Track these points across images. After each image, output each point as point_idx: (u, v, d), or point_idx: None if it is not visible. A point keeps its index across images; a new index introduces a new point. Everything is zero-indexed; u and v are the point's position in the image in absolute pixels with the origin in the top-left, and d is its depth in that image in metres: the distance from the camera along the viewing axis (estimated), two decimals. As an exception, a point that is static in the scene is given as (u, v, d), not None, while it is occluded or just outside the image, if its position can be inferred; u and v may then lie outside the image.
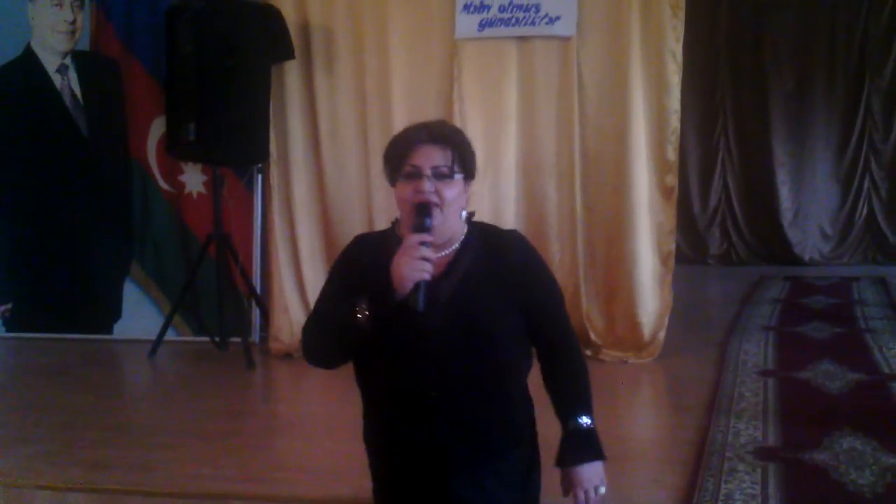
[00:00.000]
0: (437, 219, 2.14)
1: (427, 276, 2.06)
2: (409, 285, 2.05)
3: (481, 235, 2.28)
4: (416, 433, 2.18)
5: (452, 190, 2.17)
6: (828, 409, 4.43)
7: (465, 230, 2.27)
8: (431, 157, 2.16)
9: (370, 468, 2.34)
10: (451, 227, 2.21)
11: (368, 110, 5.90)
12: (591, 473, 2.23)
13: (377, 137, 5.79)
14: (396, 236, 2.25)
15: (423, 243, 2.08)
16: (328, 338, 2.22)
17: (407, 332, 2.12)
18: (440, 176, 2.16)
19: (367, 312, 2.09)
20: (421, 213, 2.13)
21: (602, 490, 2.24)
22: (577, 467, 2.22)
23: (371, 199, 5.91)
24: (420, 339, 2.14)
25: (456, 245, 2.24)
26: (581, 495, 2.23)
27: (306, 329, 2.30)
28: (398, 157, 2.21)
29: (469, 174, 2.25)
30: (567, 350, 2.32)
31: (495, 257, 2.24)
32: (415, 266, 2.05)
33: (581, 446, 2.23)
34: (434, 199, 2.15)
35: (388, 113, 5.82)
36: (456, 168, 2.18)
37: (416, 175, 2.16)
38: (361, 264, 2.23)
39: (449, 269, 2.20)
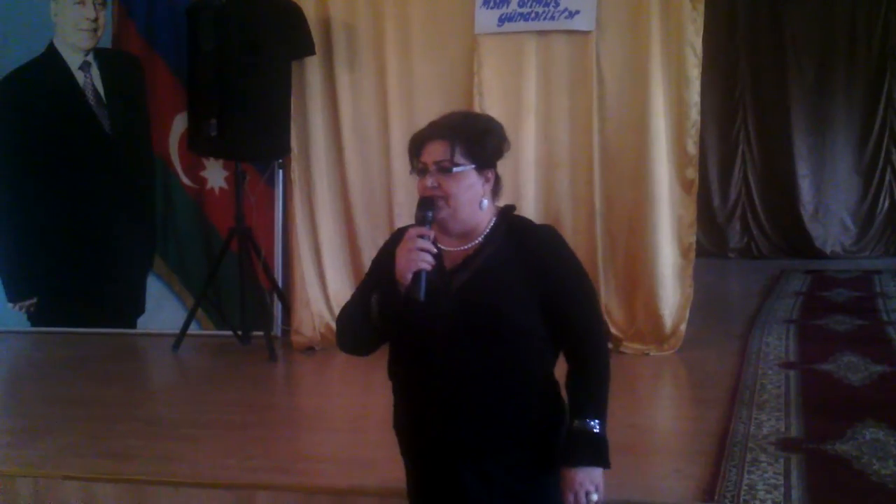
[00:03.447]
0: (442, 212, 2.18)
1: (427, 267, 2.09)
2: (408, 276, 2.09)
3: (509, 228, 2.27)
4: (427, 421, 2.21)
5: (457, 183, 2.18)
6: (850, 400, 4.42)
7: (492, 222, 2.27)
8: (433, 152, 2.20)
9: (402, 456, 2.37)
10: (465, 219, 2.22)
11: (389, 105, 5.92)
12: (585, 478, 2.15)
13: (398, 132, 5.81)
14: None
15: (421, 236, 2.12)
16: (351, 326, 2.29)
17: (412, 323, 2.15)
18: (443, 170, 2.18)
19: (375, 303, 2.16)
20: (422, 207, 2.18)
21: (595, 497, 2.16)
22: (572, 469, 2.16)
23: (392, 194, 5.93)
24: (426, 329, 2.16)
25: (479, 238, 2.24)
26: (570, 498, 2.16)
27: (340, 317, 2.37)
28: (412, 154, 2.27)
29: (483, 163, 2.23)
30: (587, 350, 2.25)
31: (519, 251, 2.22)
32: (411, 257, 2.09)
33: (581, 448, 2.17)
34: (438, 193, 2.18)
35: (409, 108, 5.84)
36: (459, 160, 2.18)
37: (423, 171, 2.21)
38: (391, 256, 2.25)
39: (467, 261, 2.21)
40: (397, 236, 2.32)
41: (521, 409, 2.20)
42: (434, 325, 2.14)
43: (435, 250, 2.12)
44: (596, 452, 2.17)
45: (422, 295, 2.08)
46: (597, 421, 2.18)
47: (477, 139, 2.22)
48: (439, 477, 2.22)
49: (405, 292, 2.10)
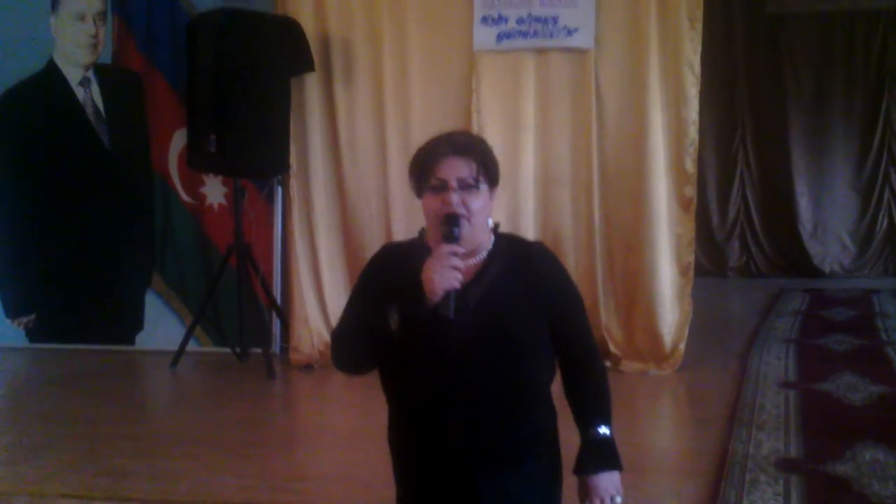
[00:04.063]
0: (464, 229, 2.18)
1: (457, 285, 2.11)
2: (441, 293, 2.10)
3: (507, 245, 2.31)
4: (444, 438, 2.20)
5: (478, 201, 2.20)
6: (850, 420, 4.41)
7: (492, 239, 2.30)
8: (457, 169, 2.19)
9: (395, 474, 2.36)
10: (477, 236, 2.24)
11: (387, 122, 5.94)
12: (608, 482, 2.24)
13: (396, 149, 5.82)
14: (424, 246, 2.27)
15: (453, 253, 2.12)
16: (358, 344, 2.25)
17: (436, 339, 2.16)
18: (466, 187, 2.19)
19: (397, 319, 2.13)
20: (449, 224, 2.16)
21: (618, 500, 2.25)
22: (594, 476, 2.24)
23: (389, 211, 5.93)
24: (449, 346, 2.17)
25: (483, 254, 2.27)
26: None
27: (335, 335, 2.34)
28: (424, 170, 2.23)
29: (493, 183, 2.28)
30: (589, 360, 2.35)
31: (521, 267, 2.27)
32: (446, 275, 2.10)
33: (599, 455, 2.25)
34: (461, 210, 2.18)
35: (406, 124, 5.85)
36: (481, 179, 2.21)
37: (443, 188, 2.19)
38: (390, 272, 2.25)
39: (477, 277, 2.23)
40: (389, 253, 2.35)
41: (536, 421, 2.27)
42: (454, 341, 2.16)
43: (462, 267, 2.14)
44: (612, 457, 2.26)
45: (452, 312, 2.10)
46: (608, 427, 2.27)
47: (491, 159, 2.27)
48: (455, 492, 2.22)
49: (431, 308, 2.10)
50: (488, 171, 2.24)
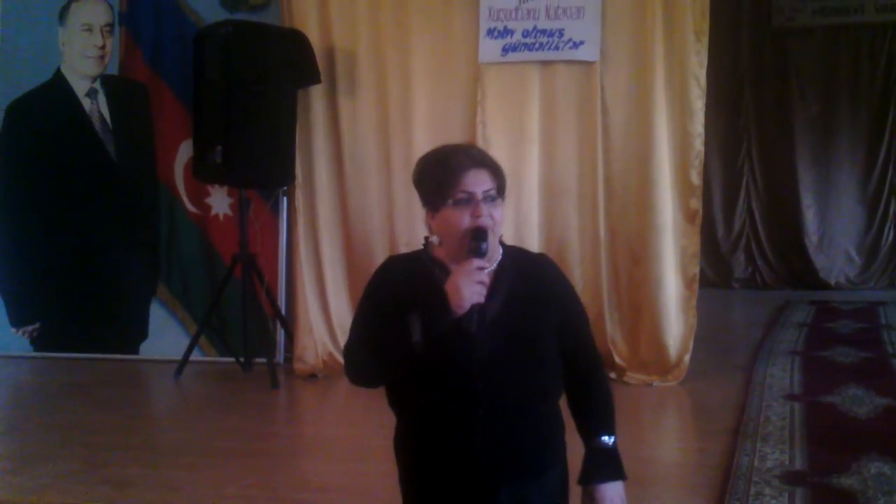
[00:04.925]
0: (490, 241, 2.18)
1: (482, 300, 2.12)
2: (468, 307, 2.10)
3: (515, 258, 2.31)
4: (463, 450, 2.20)
5: (500, 212, 2.21)
6: (855, 433, 4.39)
7: (501, 252, 2.29)
8: (482, 181, 2.18)
9: (402, 486, 2.35)
10: (495, 249, 2.25)
11: (392, 134, 5.95)
12: (613, 492, 2.25)
13: (400, 161, 5.84)
14: (430, 258, 2.26)
15: (481, 268, 2.13)
16: (377, 359, 2.23)
17: (456, 351, 2.15)
18: (490, 200, 2.19)
19: (420, 331, 2.11)
20: (478, 238, 2.14)
21: None
22: (599, 485, 2.24)
23: (393, 222, 5.94)
24: (468, 358, 2.16)
25: (493, 266, 2.25)
26: None
27: (349, 350, 2.30)
28: (445, 182, 2.19)
29: (504, 195, 2.28)
30: (593, 370, 2.36)
31: (530, 279, 2.28)
32: (476, 290, 2.10)
33: (604, 465, 2.26)
34: (489, 222, 2.17)
35: (410, 137, 5.86)
36: (499, 191, 2.23)
37: (470, 201, 2.16)
38: (400, 285, 2.24)
39: (492, 290, 2.21)
40: (396, 267, 2.33)
41: (552, 432, 2.29)
42: (476, 353, 2.16)
43: (487, 282, 2.15)
44: (617, 467, 2.27)
45: (475, 327, 2.11)
46: (612, 437, 2.29)
47: (501, 171, 2.27)
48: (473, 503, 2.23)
49: (453, 321, 2.11)
50: (501, 183, 2.25)
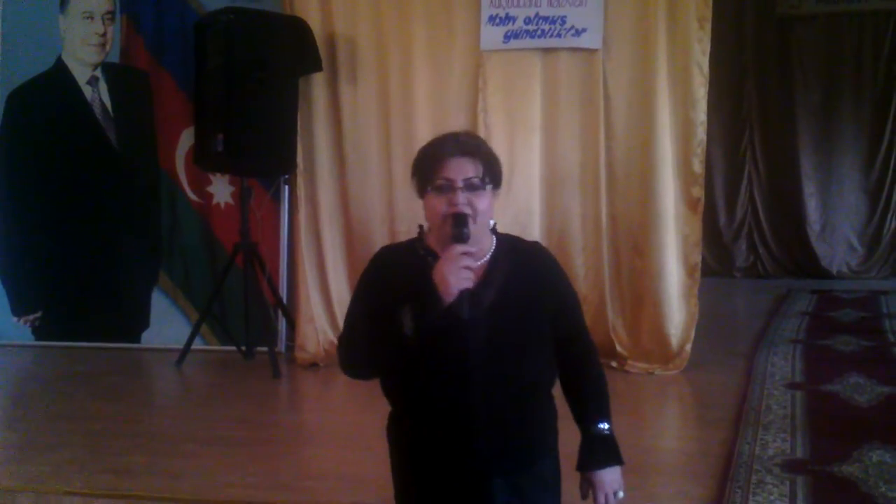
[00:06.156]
0: (470, 228, 2.17)
1: (470, 285, 2.12)
2: (455, 293, 2.09)
3: (509, 246, 2.32)
4: (459, 438, 2.20)
5: (483, 201, 2.20)
6: (857, 422, 4.39)
7: (494, 241, 2.30)
8: (463, 169, 2.19)
9: (394, 472, 2.35)
10: (481, 237, 2.24)
11: (393, 122, 5.94)
12: (610, 477, 2.28)
13: (401, 149, 5.83)
14: (424, 245, 2.27)
15: (465, 254, 2.12)
16: (371, 349, 2.24)
17: (451, 340, 2.15)
18: (472, 188, 2.19)
19: (411, 322, 2.12)
20: (458, 224, 2.16)
21: (621, 495, 2.30)
22: (597, 471, 2.28)
23: (394, 210, 5.94)
24: (463, 346, 2.17)
25: (486, 255, 2.27)
26: (601, 499, 2.28)
27: (343, 342, 2.32)
28: (428, 169, 2.22)
29: (496, 184, 2.28)
30: (587, 357, 2.39)
31: (525, 267, 2.29)
32: (462, 275, 2.10)
33: (601, 451, 2.29)
34: (467, 210, 2.17)
35: (412, 124, 5.85)
36: (486, 179, 2.21)
37: (449, 188, 2.18)
38: (393, 274, 2.24)
39: (486, 279, 2.23)
40: (389, 256, 2.34)
41: (546, 420, 2.33)
42: (469, 342, 2.16)
43: (474, 267, 2.14)
44: (614, 453, 2.31)
45: (466, 313, 2.11)
46: (607, 423, 2.31)
47: (494, 160, 2.27)
48: (467, 493, 2.23)
49: (445, 309, 2.10)
50: (492, 171, 2.24)
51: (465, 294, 2.10)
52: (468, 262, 2.12)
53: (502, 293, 2.22)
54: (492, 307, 2.20)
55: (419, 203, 2.27)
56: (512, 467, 2.23)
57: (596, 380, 2.37)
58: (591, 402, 2.33)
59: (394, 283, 2.22)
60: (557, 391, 2.37)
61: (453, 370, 2.18)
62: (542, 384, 2.31)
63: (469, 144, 2.24)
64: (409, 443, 2.32)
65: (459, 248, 2.12)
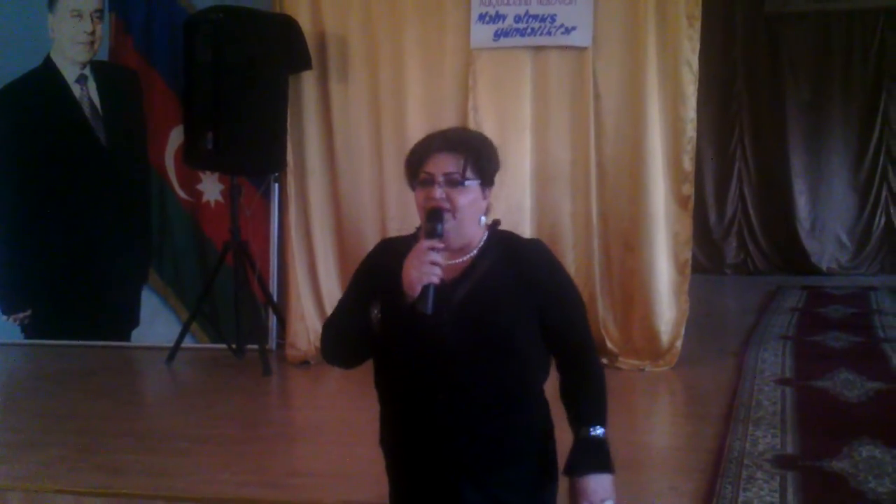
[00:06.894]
0: (448, 224, 2.15)
1: (436, 280, 2.08)
2: (418, 289, 2.07)
3: (501, 243, 2.27)
4: (425, 437, 2.18)
5: (465, 196, 2.17)
6: (846, 417, 4.42)
7: (485, 237, 2.27)
8: (444, 164, 2.17)
9: (387, 471, 2.35)
10: (466, 233, 2.21)
11: (383, 120, 5.93)
12: (598, 485, 2.14)
13: (391, 146, 5.82)
14: (417, 239, 2.26)
15: (432, 249, 2.09)
16: (343, 338, 2.25)
17: (416, 335, 2.13)
18: (452, 183, 2.17)
19: (378, 314, 2.12)
20: (432, 219, 2.14)
21: None
22: (584, 478, 2.15)
23: (385, 208, 5.93)
24: (430, 342, 2.14)
25: (473, 251, 2.24)
26: None
27: (325, 327, 2.33)
28: (416, 163, 2.22)
29: (487, 180, 2.24)
30: (585, 360, 2.28)
31: (514, 264, 2.22)
32: (424, 270, 2.07)
33: (590, 456, 2.16)
34: (445, 205, 2.16)
35: (402, 122, 5.84)
36: (469, 175, 2.18)
37: (430, 182, 2.17)
38: (382, 267, 2.24)
39: (464, 274, 2.20)
40: (383, 248, 2.33)
41: (523, 423, 2.21)
42: (437, 338, 2.12)
43: (443, 263, 2.11)
44: (604, 459, 2.17)
45: (430, 308, 2.06)
46: (602, 429, 2.19)
47: (484, 155, 2.23)
48: (438, 494, 2.19)
49: (411, 304, 2.08)
50: (480, 167, 2.20)
51: (429, 289, 2.06)
52: (434, 256, 2.08)
53: (477, 289, 2.18)
54: (463, 303, 2.16)
55: (411, 199, 2.26)
56: (480, 470, 2.16)
57: (591, 382, 2.25)
58: (582, 405, 2.22)
59: (381, 274, 2.21)
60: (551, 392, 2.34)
61: (417, 365, 2.16)
62: (522, 384, 2.21)
63: (454, 140, 2.22)
64: (387, 439, 2.31)
65: (426, 242, 2.10)
